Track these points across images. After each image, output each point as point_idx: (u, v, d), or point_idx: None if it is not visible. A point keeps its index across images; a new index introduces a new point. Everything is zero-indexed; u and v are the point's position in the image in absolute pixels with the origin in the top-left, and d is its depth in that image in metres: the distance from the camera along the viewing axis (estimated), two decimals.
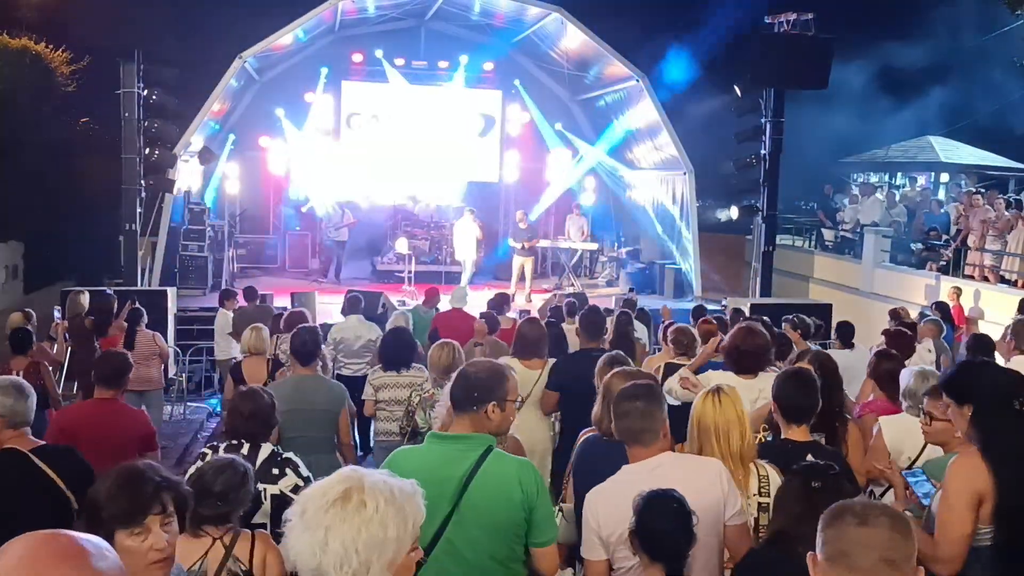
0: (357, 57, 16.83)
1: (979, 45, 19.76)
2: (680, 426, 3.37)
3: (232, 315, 9.94)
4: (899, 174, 24.20)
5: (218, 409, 10.42)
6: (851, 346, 7.24)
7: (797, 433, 3.57)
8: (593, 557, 2.98)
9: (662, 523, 2.62)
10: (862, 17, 20.35)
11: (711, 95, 15.96)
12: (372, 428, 6.27)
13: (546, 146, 17.89)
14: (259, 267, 16.83)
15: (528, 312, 10.59)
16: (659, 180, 16.66)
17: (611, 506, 2.91)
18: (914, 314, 9.61)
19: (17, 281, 14.11)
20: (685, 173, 15.34)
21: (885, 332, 6.63)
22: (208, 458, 3.72)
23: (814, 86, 13.44)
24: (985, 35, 19.40)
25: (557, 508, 3.61)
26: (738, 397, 3.36)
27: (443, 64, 17.14)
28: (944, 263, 14.51)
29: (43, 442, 3.74)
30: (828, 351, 7.33)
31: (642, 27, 17.40)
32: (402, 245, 15.43)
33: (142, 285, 12.18)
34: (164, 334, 9.99)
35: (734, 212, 14.45)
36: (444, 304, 9.75)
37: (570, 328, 7.55)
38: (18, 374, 6.29)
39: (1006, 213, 14.05)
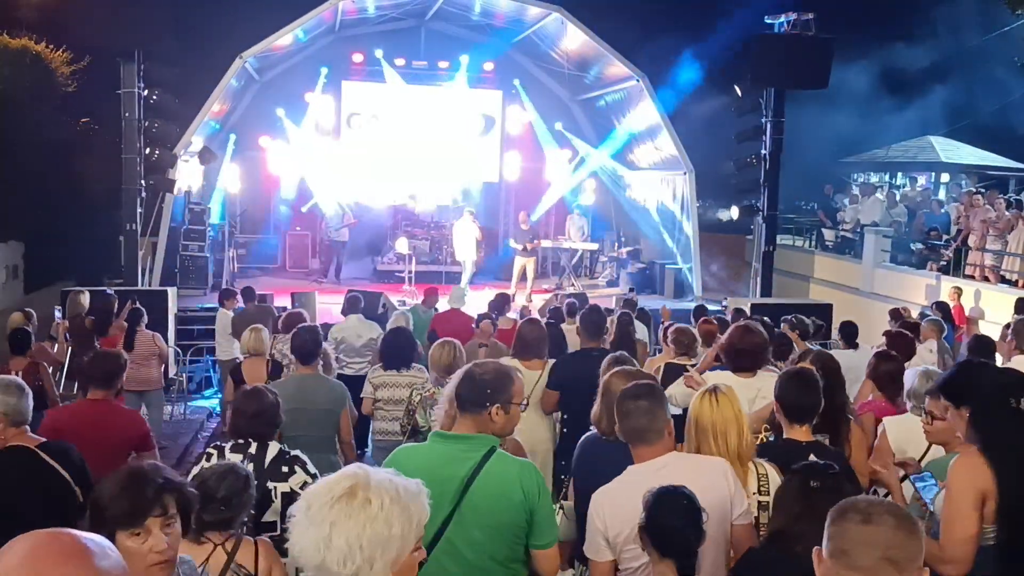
0: (357, 57, 16.83)
1: (980, 45, 19.76)
2: (681, 433, 3.37)
3: (232, 315, 9.92)
4: (899, 174, 24.20)
5: (217, 410, 10.41)
6: (855, 346, 7.23)
7: (799, 433, 3.57)
8: (599, 558, 2.98)
9: (673, 519, 2.62)
10: (862, 17, 20.35)
11: (711, 95, 15.96)
12: (370, 427, 6.26)
13: (552, 143, 17.87)
14: (259, 267, 16.82)
15: (528, 312, 10.59)
16: (659, 180, 16.67)
17: (617, 506, 2.90)
18: (915, 314, 9.60)
19: (17, 281, 14.10)
20: (685, 173, 15.34)
21: (886, 333, 6.63)
22: (213, 458, 3.74)
23: (814, 86, 13.45)
24: (986, 35, 19.40)
25: (557, 506, 3.61)
26: (735, 396, 3.36)
27: (443, 64, 17.13)
28: (944, 263, 14.51)
29: (44, 439, 3.77)
30: (832, 351, 7.36)
31: (642, 27, 17.39)
32: (402, 245, 15.42)
33: (142, 285, 12.18)
34: (164, 334, 9.99)
35: (734, 212, 14.45)
36: (443, 304, 9.76)
37: (570, 328, 7.55)
38: (17, 374, 6.29)
39: (1006, 213, 14.05)
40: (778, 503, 2.83)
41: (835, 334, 11.52)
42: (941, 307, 10.09)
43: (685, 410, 4.10)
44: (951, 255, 14.33)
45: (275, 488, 3.73)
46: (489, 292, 14.23)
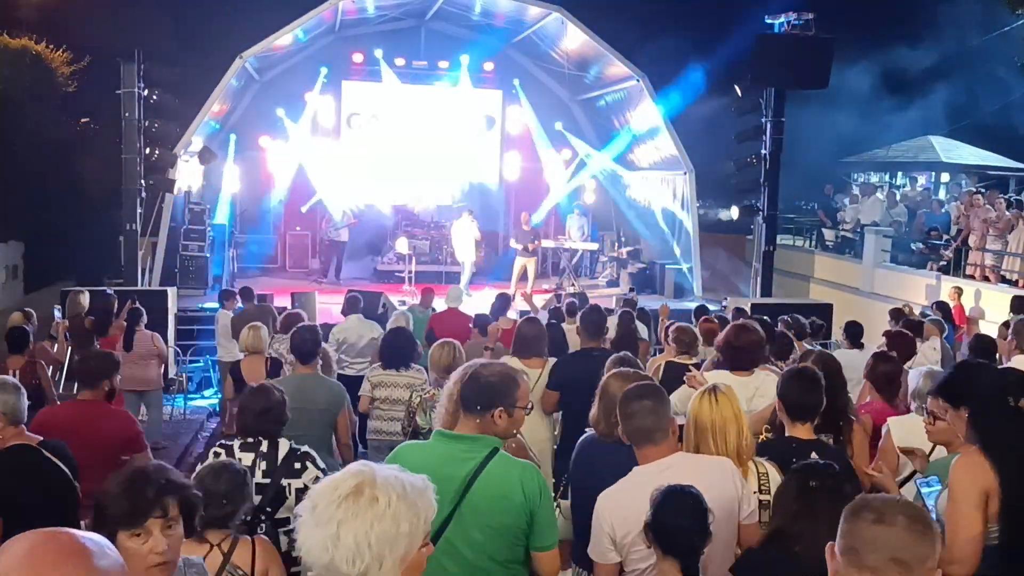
0: (357, 57, 16.83)
1: (980, 45, 19.76)
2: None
3: (232, 315, 9.91)
4: (899, 174, 24.22)
5: (217, 409, 10.41)
6: (860, 346, 7.21)
7: (801, 431, 3.58)
8: (604, 561, 2.97)
9: (679, 518, 2.62)
10: (863, 17, 20.37)
11: (711, 95, 15.96)
12: (367, 426, 6.26)
13: (548, 144, 17.87)
14: (259, 267, 16.82)
15: (528, 312, 10.58)
16: (659, 180, 16.66)
17: (624, 508, 2.89)
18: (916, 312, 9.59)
19: (17, 281, 14.11)
20: (685, 173, 15.34)
21: (886, 333, 6.62)
22: (221, 458, 3.74)
23: (814, 86, 13.44)
24: (986, 35, 19.40)
25: (555, 504, 3.60)
26: (735, 396, 3.36)
27: (443, 64, 17.13)
28: (945, 263, 14.52)
29: (41, 438, 3.77)
30: (838, 351, 7.36)
31: (642, 27, 17.43)
32: (402, 245, 15.42)
33: (142, 285, 12.17)
34: (164, 334, 9.98)
35: (734, 212, 14.44)
36: (441, 304, 9.76)
37: (570, 328, 7.54)
38: (14, 373, 6.29)
39: (1007, 213, 14.06)
40: (777, 502, 2.84)
41: (837, 334, 11.56)
42: (941, 307, 10.09)
43: None
44: (951, 255, 14.34)
45: (289, 485, 3.75)
46: (489, 292, 14.23)
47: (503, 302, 9.33)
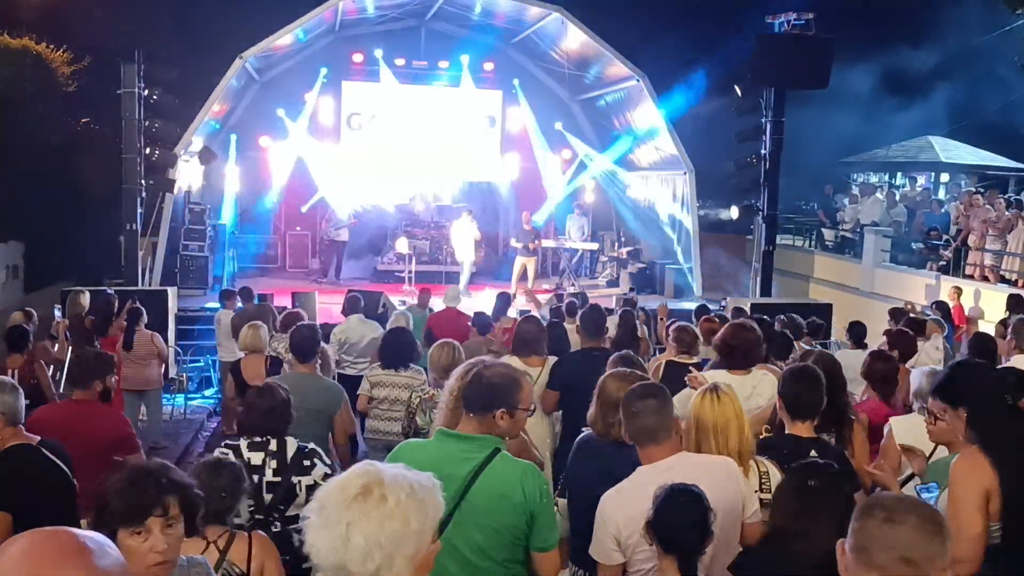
0: (357, 57, 16.83)
1: (980, 44, 19.76)
2: None
3: (232, 315, 9.91)
4: (899, 174, 24.22)
5: (217, 408, 10.41)
6: (863, 346, 7.22)
7: (801, 429, 3.59)
8: (609, 562, 2.96)
9: (681, 517, 2.63)
10: (863, 17, 20.35)
11: (711, 95, 15.96)
12: (365, 426, 6.26)
13: (546, 147, 17.87)
14: (259, 267, 16.81)
15: (528, 311, 10.58)
16: (659, 180, 16.66)
17: (629, 508, 2.89)
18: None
19: (17, 281, 14.09)
20: (685, 173, 15.34)
21: (887, 332, 6.63)
22: (229, 458, 3.74)
23: (814, 86, 13.43)
24: (987, 35, 19.39)
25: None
26: (736, 395, 3.37)
27: (443, 64, 17.13)
28: (944, 263, 14.52)
29: (38, 437, 3.77)
30: (842, 351, 7.37)
31: (642, 27, 17.41)
32: (402, 245, 15.42)
33: (142, 285, 12.17)
34: (164, 334, 9.98)
35: (734, 212, 14.44)
36: (438, 304, 9.77)
37: (570, 327, 7.54)
38: (13, 373, 6.30)
39: (1006, 213, 14.06)
40: (776, 501, 2.84)
41: (838, 334, 11.57)
42: (941, 307, 10.10)
43: None
44: (951, 255, 14.34)
45: (300, 482, 3.78)
46: (489, 292, 14.23)
47: (504, 302, 9.34)
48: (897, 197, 18.63)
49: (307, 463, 3.84)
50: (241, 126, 16.63)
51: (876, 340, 7.46)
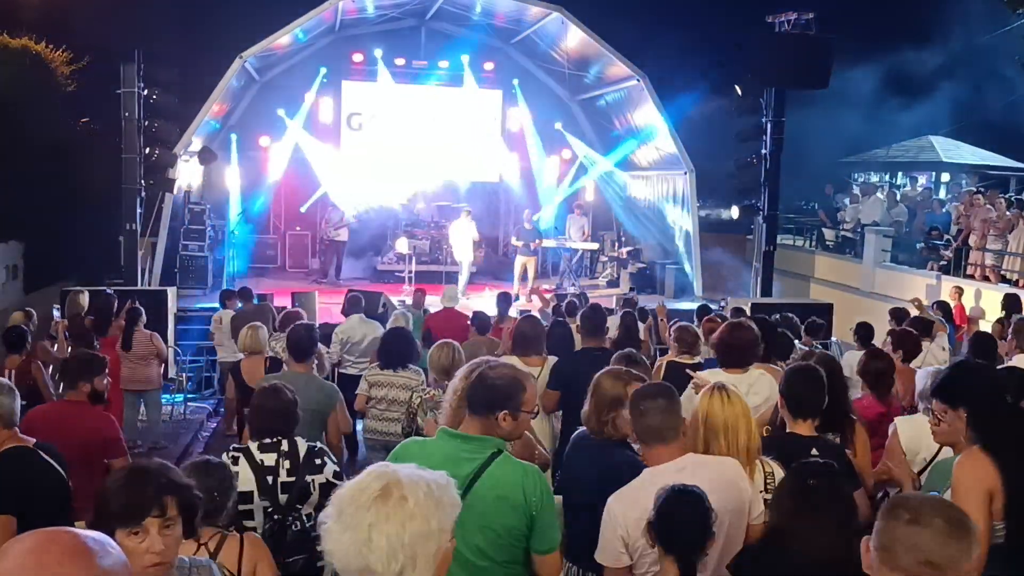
0: (357, 57, 16.82)
1: (981, 44, 19.75)
2: None
3: (232, 315, 9.91)
4: (900, 174, 24.22)
5: (219, 409, 10.40)
6: (871, 347, 7.21)
7: (803, 428, 3.59)
8: (616, 564, 2.95)
9: (682, 517, 2.63)
10: (863, 17, 20.34)
11: (712, 95, 15.96)
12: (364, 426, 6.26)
13: (546, 148, 17.87)
14: (259, 267, 16.81)
15: (528, 310, 10.58)
16: (660, 180, 16.65)
17: (639, 510, 2.87)
18: (914, 314, 9.58)
19: (17, 281, 14.08)
20: (686, 172, 15.34)
21: (891, 332, 6.61)
22: (240, 461, 3.78)
23: (815, 86, 13.42)
24: (987, 34, 19.39)
25: None
26: (741, 394, 3.36)
27: (443, 64, 17.12)
28: (945, 263, 14.51)
29: (34, 439, 3.75)
30: (850, 351, 7.36)
31: (643, 27, 17.40)
32: (402, 245, 15.40)
33: (142, 285, 12.17)
34: (164, 334, 9.97)
35: (735, 212, 14.43)
36: (436, 305, 9.78)
37: (571, 327, 7.54)
38: (10, 373, 6.29)
39: (1007, 213, 14.05)
40: (775, 501, 2.84)
41: (839, 334, 11.56)
42: (942, 307, 10.09)
43: None
44: (951, 255, 14.33)
45: (313, 481, 3.82)
46: (489, 292, 14.23)
47: (506, 302, 9.35)
48: (898, 197, 18.63)
49: (318, 462, 3.88)
50: (241, 126, 16.62)
51: (879, 340, 7.45)
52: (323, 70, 16.51)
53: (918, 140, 23.16)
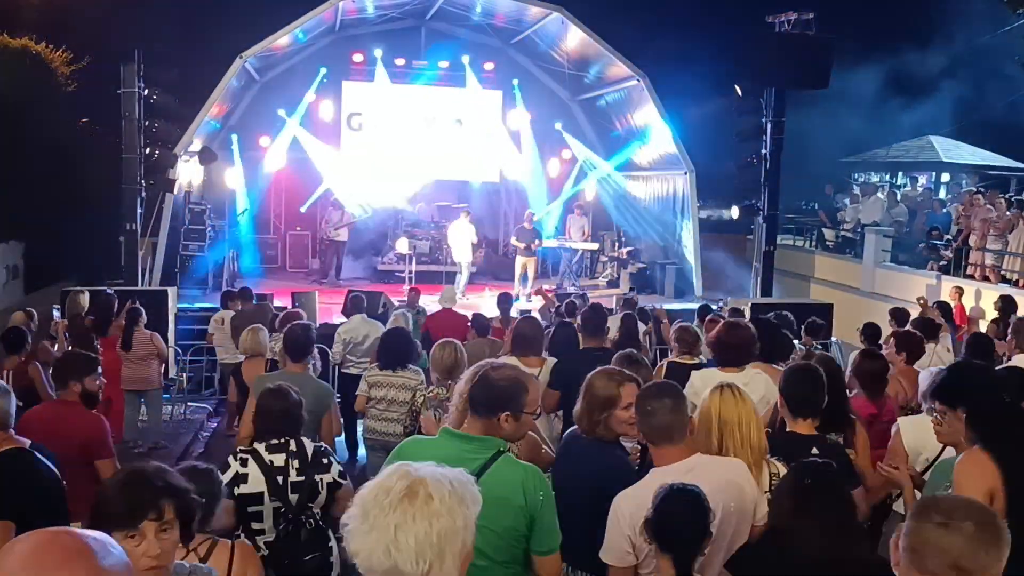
0: (357, 57, 16.82)
1: (981, 44, 19.75)
2: None
3: (232, 315, 9.90)
4: (900, 174, 24.22)
5: (219, 409, 10.40)
6: (878, 347, 7.21)
7: (803, 427, 3.59)
8: (621, 564, 2.94)
9: (679, 516, 2.63)
10: (863, 17, 20.35)
11: (712, 95, 15.96)
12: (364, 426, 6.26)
13: (546, 148, 17.87)
14: (259, 267, 16.80)
15: (528, 311, 10.59)
16: (660, 180, 16.65)
17: (646, 509, 2.85)
18: (914, 314, 9.59)
19: (17, 281, 14.09)
20: (686, 173, 15.34)
21: (895, 334, 6.62)
22: (249, 463, 3.80)
23: (815, 86, 13.42)
24: (988, 34, 19.39)
25: None
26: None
27: (443, 64, 17.12)
28: (945, 263, 14.50)
29: (27, 440, 3.73)
30: (854, 352, 7.35)
31: (643, 27, 17.41)
32: (402, 245, 15.40)
33: (142, 285, 12.17)
34: (164, 334, 9.96)
35: (735, 212, 14.43)
36: (433, 305, 9.79)
37: None
38: (8, 373, 6.29)
39: (1007, 213, 14.04)
40: (774, 500, 2.84)
41: (837, 334, 11.56)
42: (942, 307, 10.08)
43: None
44: (952, 255, 14.33)
45: (321, 480, 3.86)
46: (489, 293, 14.23)
47: (508, 303, 9.36)
48: (898, 197, 18.62)
49: (325, 461, 3.92)
50: (241, 126, 16.62)
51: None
52: (323, 70, 16.51)
53: (918, 140, 23.16)
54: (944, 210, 16.50)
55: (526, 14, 15.61)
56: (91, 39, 13.57)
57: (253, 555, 3.07)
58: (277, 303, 11.76)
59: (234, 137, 16.23)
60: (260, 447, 3.89)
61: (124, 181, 11.96)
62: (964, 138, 22.91)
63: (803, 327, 8.32)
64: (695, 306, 11.36)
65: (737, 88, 13.73)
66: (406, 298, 10.47)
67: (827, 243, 18.67)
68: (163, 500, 2.23)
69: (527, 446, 3.66)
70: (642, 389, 3.21)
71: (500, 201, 18.49)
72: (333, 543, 3.87)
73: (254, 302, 10.29)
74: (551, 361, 5.50)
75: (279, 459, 3.85)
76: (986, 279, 13.59)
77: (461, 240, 15.13)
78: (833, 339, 11.20)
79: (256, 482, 3.78)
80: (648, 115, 15.53)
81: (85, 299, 8.79)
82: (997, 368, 4.69)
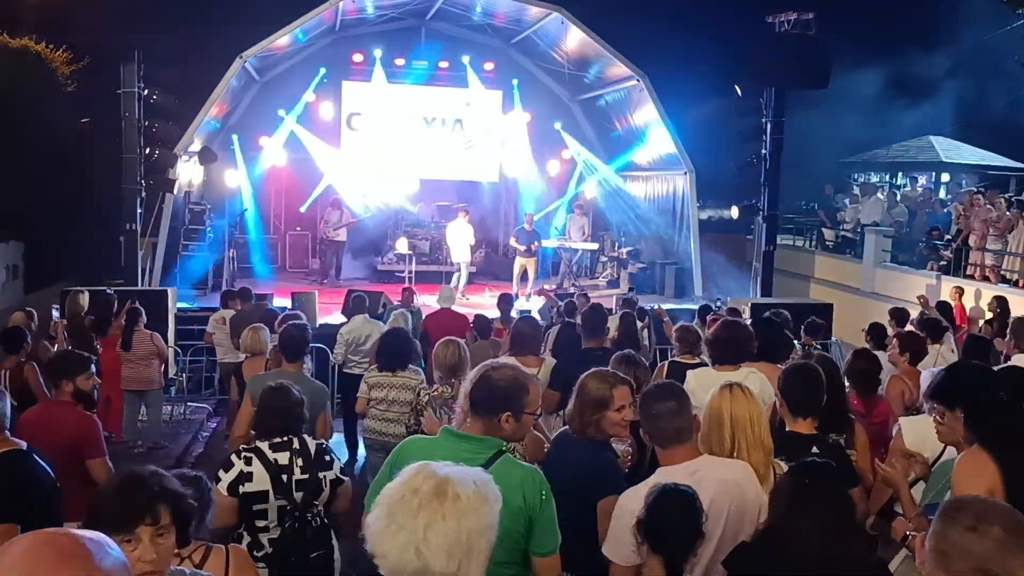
0: (357, 57, 16.82)
1: (982, 44, 19.75)
2: None
3: (232, 315, 9.90)
4: (900, 174, 24.21)
5: (218, 409, 10.40)
6: (883, 347, 7.21)
7: (802, 427, 3.59)
8: (626, 563, 2.93)
9: (670, 517, 2.63)
10: (864, 17, 20.34)
11: (712, 95, 15.95)
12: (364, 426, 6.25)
13: (546, 148, 17.87)
14: (264, 267, 16.77)
15: (528, 311, 10.59)
16: (660, 180, 16.65)
17: None
18: (914, 314, 9.60)
19: (17, 281, 14.08)
20: (685, 173, 15.34)
21: (898, 335, 6.62)
22: (253, 461, 3.80)
23: (815, 86, 13.43)
24: (988, 34, 19.38)
25: None
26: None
27: (443, 64, 17.12)
28: (945, 263, 14.50)
29: (23, 442, 3.72)
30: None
31: (643, 27, 17.37)
32: (402, 245, 15.40)
33: (142, 285, 12.17)
34: (164, 334, 9.96)
35: (735, 212, 14.44)
36: (424, 302, 9.80)
37: None
38: (6, 373, 6.28)
39: (1007, 213, 14.04)
40: (772, 499, 2.84)
41: (835, 335, 11.56)
42: (942, 307, 10.08)
43: None
44: (951, 255, 14.33)
45: (324, 477, 3.89)
46: (489, 293, 14.22)
47: (508, 304, 9.35)
48: (898, 197, 18.62)
49: (327, 458, 3.96)
50: (241, 126, 16.62)
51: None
52: (323, 70, 16.51)
53: (918, 140, 23.16)
54: (944, 210, 16.50)
55: (526, 14, 15.61)
56: (91, 39, 13.55)
57: (248, 560, 3.05)
58: (277, 303, 11.76)
59: (234, 137, 16.23)
60: (263, 445, 3.90)
61: (124, 181, 11.98)
62: (964, 138, 22.91)
63: (803, 327, 8.32)
64: (695, 306, 11.36)
65: (737, 88, 13.74)
66: (400, 298, 10.46)
67: (827, 243, 18.67)
68: (159, 504, 2.21)
69: (532, 444, 3.67)
70: (644, 392, 3.20)
71: (500, 201, 18.48)
72: (335, 541, 3.88)
73: (253, 302, 10.29)
74: (550, 361, 5.50)
75: (283, 457, 3.86)
76: (986, 279, 13.59)
77: (459, 240, 15.12)
78: (833, 339, 11.20)
79: (261, 480, 3.79)
80: (648, 115, 15.53)
81: (85, 299, 8.79)
82: (996, 368, 4.69)
